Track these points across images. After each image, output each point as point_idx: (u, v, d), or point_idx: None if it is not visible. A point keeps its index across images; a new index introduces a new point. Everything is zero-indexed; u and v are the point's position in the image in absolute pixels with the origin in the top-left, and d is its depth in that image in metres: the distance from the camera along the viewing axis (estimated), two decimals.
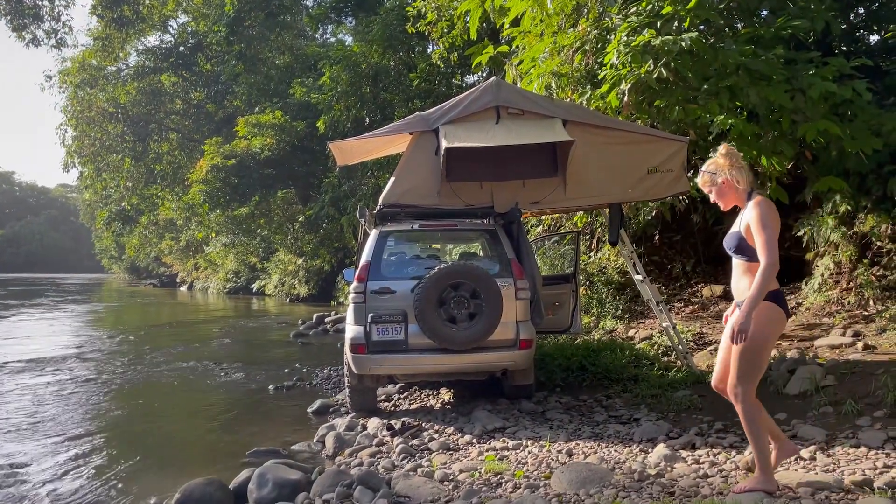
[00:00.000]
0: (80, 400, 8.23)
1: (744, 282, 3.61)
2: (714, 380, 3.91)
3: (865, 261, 7.99)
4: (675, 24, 7.17)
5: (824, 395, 5.45)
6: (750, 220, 3.52)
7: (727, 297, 10.19)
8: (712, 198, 3.80)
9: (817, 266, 8.59)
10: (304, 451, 5.82)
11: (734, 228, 3.68)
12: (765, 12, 8.04)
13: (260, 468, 4.71)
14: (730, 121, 6.62)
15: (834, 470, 4.09)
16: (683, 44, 6.63)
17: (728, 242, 3.68)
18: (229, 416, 7.51)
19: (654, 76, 6.89)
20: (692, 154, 7.85)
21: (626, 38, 7.09)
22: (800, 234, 8.51)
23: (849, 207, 7.85)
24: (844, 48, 9.02)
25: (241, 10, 25.77)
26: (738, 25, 8.04)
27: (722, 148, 3.69)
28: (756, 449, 3.68)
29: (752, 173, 3.68)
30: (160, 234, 43.44)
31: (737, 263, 3.66)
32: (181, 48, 32.58)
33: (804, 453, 4.40)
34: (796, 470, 4.14)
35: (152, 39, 33.66)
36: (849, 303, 8.09)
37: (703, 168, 3.73)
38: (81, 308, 26.97)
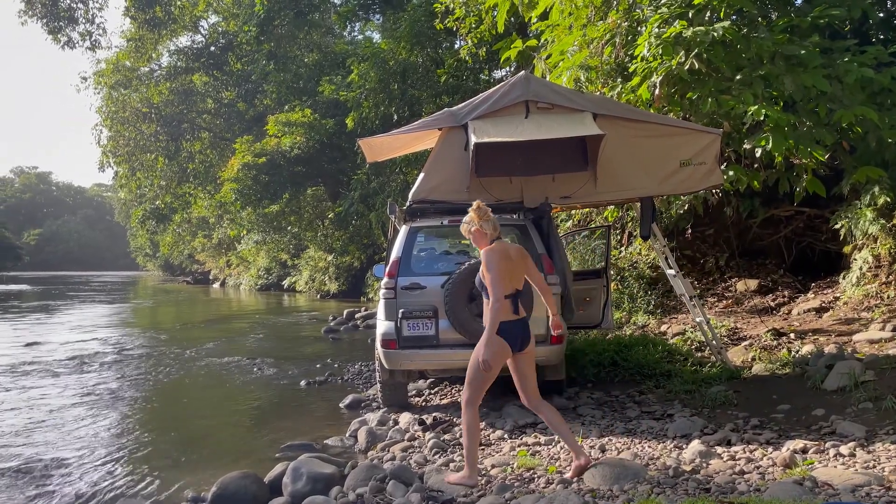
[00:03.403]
0: (116, 395, 8.40)
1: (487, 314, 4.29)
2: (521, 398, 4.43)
3: None
4: (708, 14, 7.07)
5: (864, 391, 5.35)
6: (482, 266, 4.22)
7: (762, 291, 10.05)
8: (472, 243, 4.48)
9: (855, 259, 8.43)
10: (337, 446, 5.88)
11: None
12: (799, 1, 7.89)
13: (294, 462, 4.76)
14: (764, 111, 6.50)
15: (874, 466, 4.01)
16: (715, 34, 6.53)
17: (476, 282, 4.41)
18: (263, 410, 7.61)
19: (686, 68, 6.80)
20: (726, 146, 7.74)
21: (657, 30, 7.01)
22: (837, 226, 8.34)
23: (888, 199, 7.68)
24: (882, 36, 8.81)
25: (270, 10, 25.97)
26: (773, 16, 7.90)
27: (474, 205, 4.39)
28: (467, 451, 4.28)
29: (497, 224, 4.36)
30: (193, 231, 44.17)
31: (485, 299, 4.32)
32: (212, 48, 32.95)
33: (844, 450, 4.32)
34: (836, 467, 4.07)
35: (184, 40, 34.12)
36: (888, 297, 7.92)
37: (464, 220, 4.45)
38: (118, 305, 27.51)
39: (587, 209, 10.76)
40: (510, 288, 4.22)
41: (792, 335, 7.74)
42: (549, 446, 5.06)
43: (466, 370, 4.28)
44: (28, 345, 13.04)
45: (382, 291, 6.26)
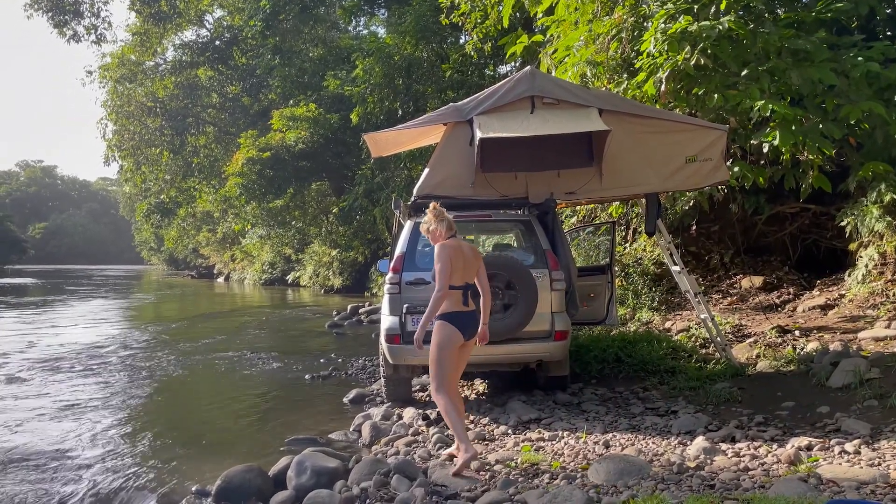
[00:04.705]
0: (121, 388, 8.43)
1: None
2: None
3: None
4: (713, 9, 7.04)
5: (869, 388, 5.34)
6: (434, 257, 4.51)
7: (767, 288, 10.02)
8: (431, 241, 4.76)
9: (861, 257, 8.39)
10: (341, 440, 5.89)
11: None
12: None
13: (298, 456, 4.77)
14: (770, 106, 6.47)
15: (879, 464, 4.00)
16: (721, 27, 6.50)
17: (431, 275, 4.67)
18: (267, 404, 7.62)
19: (692, 63, 6.77)
20: (732, 142, 7.71)
21: (663, 26, 6.98)
22: (843, 223, 8.31)
23: (894, 196, 7.63)
24: (889, 32, 8.76)
25: (276, 4, 25.94)
26: (779, 11, 7.86)
27: (431, 206, 4.71)
28: (454, 430, 4.47)
29: (451, 223, 4.63)
30: (198, 226, 44.16)
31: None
32: (217, 42, 32.89)
33: (849, 447, 4.31)
34: (840, 464, 4.06)
35: (189, 34, 34.05)
36: (894, 294, 7.89)
37: (422, 222, 4.77)
38: (123, 298, 27.58)
39: (592, 205, 10.74)
40: (460, 281, 4.54)
41: (797, 332, 7.72)
42: (553, 442, 5.06)
43: (467, 365, 4.40)
44: (31, 340, 13.07)
45: (387, 287, 6.26)
